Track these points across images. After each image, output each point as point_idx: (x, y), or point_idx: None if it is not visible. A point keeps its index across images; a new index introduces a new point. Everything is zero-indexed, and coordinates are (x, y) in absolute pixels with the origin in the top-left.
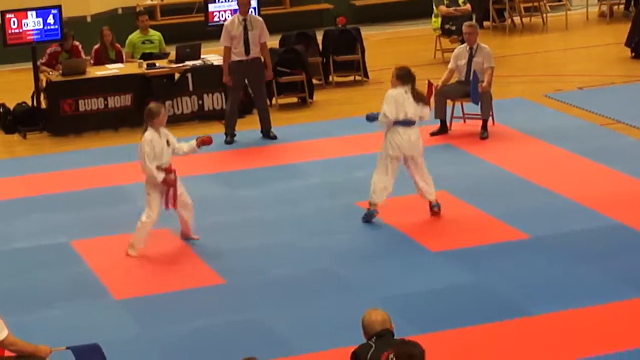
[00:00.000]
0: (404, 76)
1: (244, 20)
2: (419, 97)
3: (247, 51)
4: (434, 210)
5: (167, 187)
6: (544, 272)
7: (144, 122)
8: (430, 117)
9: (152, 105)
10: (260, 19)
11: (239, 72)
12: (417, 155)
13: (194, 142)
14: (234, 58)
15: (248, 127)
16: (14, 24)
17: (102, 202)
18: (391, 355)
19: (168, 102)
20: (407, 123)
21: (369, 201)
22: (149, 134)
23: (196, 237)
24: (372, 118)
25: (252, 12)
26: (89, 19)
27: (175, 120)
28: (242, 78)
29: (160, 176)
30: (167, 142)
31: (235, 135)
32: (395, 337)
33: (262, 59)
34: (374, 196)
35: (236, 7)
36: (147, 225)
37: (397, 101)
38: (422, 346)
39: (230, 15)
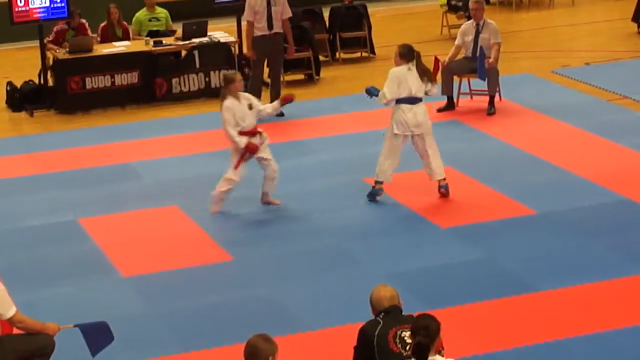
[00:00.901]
0: (407, 54)
1: None
2: (424, 72)
3: (270, 26)
4: (441, 191)
5: (250, 152)
6: (551, 248)
7: (222, 89)
8: (437, 93)
9: (227, 72)
10: None
11: (262, 47)
12: (424, 133)
13: (277, 102)
14: (257, 33)
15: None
16: (20, 2)
17: (110, 179)
18: (404, 333)
19: (174, 80)
20: (412, 100)
21: (374, 179)
22: (229, 101)
23: (277, 202)
24: (371, 93)
25: None
26: None
27: (182, 98)
28: (264, 53)
29: (243, 141)
30: (250, 105)
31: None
32: (403, 314)
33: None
34: (380, 175)
35: None
36: (230, 183)
37: (399, 79)
38: (438, 319)
39: None
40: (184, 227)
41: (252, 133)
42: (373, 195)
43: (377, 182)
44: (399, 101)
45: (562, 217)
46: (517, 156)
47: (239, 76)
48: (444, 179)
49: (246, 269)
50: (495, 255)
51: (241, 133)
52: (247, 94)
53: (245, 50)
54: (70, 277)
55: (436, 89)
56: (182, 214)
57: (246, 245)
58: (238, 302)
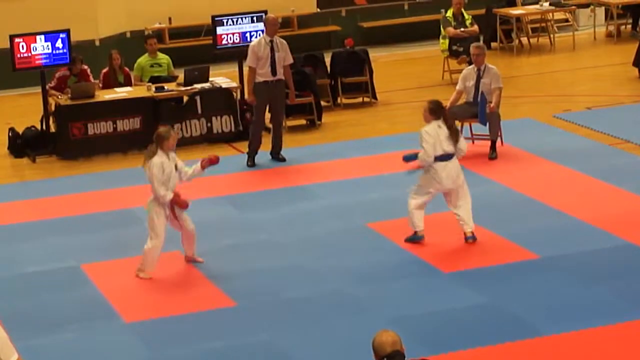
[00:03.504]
0: (436, 110)
1: (271, 41)
2: (454, 134)
3: (273, 72)
4: (468, 242)
5: (179, 206)
6: (555, 293)
7: (154, 145)
8: (464, 151)
9: (162, 129)
10: (285, 41)
11: (265, 93)
12: (458, 188)
13: (198, 165)
14: (259, 79)
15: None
16: (22, 48)
17: (112, 225)
18: None
19: (177, 125)
20: (445, 157)
21: (414, 230)
22: (158, 157)
23: (200, 259)
24: (409, 159)
25: (261, 34)
26: (97, 43)
27: (183, 144)
28: (267, 99)
29: (170, 196)
30: (175, 166)
31: (256, 153)
32: (406, 359)
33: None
34: (417, 224)
35: (244, 30)
36: (153, 251)
37: (433, 138)
38: None
39: (238, 39)
40: (186, 272)
41: (175, 195)
42: (415, 240)
43: (417, 232)
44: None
45: (565, 262)
46: (519, 201)
47: (173, 133)
48: (472, 232)
49: (249, 314)
50: (498, 300)
51: None
52: (174, 154)
53: (246, 95)
54: (72, 322)
55: (465, 146)
56: (184, 259)
57: (249, 291)
58: (241, 348)
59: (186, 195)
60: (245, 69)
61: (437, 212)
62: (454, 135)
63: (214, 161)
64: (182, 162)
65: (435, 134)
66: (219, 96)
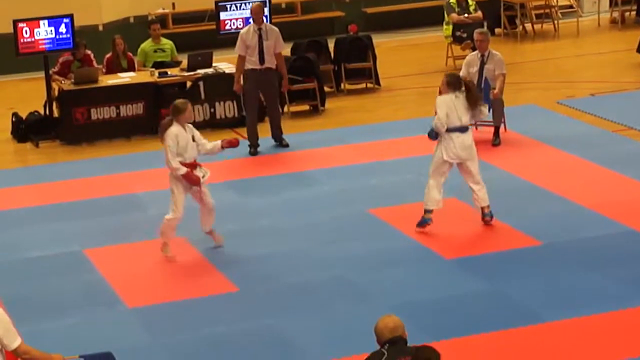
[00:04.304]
0: (454, 82)
1: (259, 29)
2: (473, 102)
3: (261, 61)
4: (485, 219)
5: (190, 182)
6: (557, 279)
7: (170, 117)
8: (486, 112)
9: (178, 101)
10: (276, 28)
11: (253, 80)
12: (471, 160)
13: (218, 143)
14: (249, 66)
15: (260, 135)
16: (26, 33)
17: (115, 210)
18: None
19: None
20: (461, 129)
21: (424, 208)
22: (175, 128)
23: (219, 239)
24: (432, 136)
25: (265, 20)
26: (101, 28)
27: None
28: (256, 86)
29: (183, 170)
30: (193, 137)
31: (259, 145)
32: (408, 345)
33: (277, 69)
34: (429, 203)
35: (247, 15)
36: (172, 222)
37: (448, 106)
38: (438, 351)
39: (241, 24)
40: (189, 258)
41: (192, 166)
42: (423, 224)
43: (426, 211)
44: (448, 129)
45: (567, 248)
46: (522, 187)
47: (189, 106)
48: (488, 207)
49: (252, 300)
50: (500, 287)
51: (181, 164)
52: (191, 126)
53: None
54: (75, 308)
55: (484, 112)
56: (188, 245)
57: (251, 277)
58: (244, 334)
59: None
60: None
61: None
62: (473, 103)
63: (234, 143)
64: (200, 135)
65: (450, 104)
66: (222, 81)
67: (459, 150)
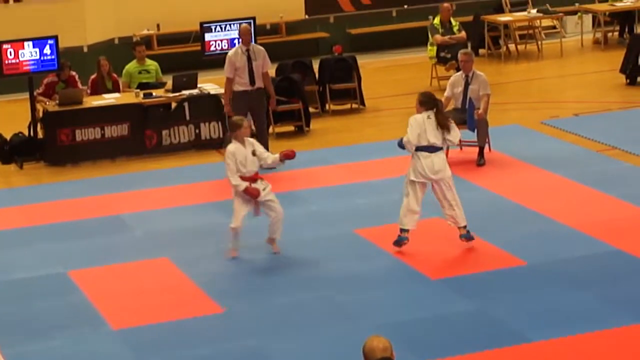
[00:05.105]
0: (427, 102)
1: (247, 50)
2: (442, 123)
3: (252, 82)
4: (462, 240)
5: (250, 196)
6: (542, 299)
7: (229, 134)
8: (456, 141)
9: (235, 117)
10: (262, 48)
11: (244, 101)
12: (443, 181)
13: (277, 156)
14: (238, 88)
15: None
16: (10, 54)
17: (100, 231)
18: None
19: (164, 132)
20: (430, 149)
21: (399, 227)
22: (232, 145)
23: (277, 249)
24: (401, 145)
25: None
26: (85, 49)
27: (172, 150)
28: (246, 107)
29: (243, 185)
30: (253, 152)
31: None
32: None
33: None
34: (403, 221)
35: (233, 36)
36: (233, 231)
37: (419, 126)
38: None
39: (226, 45)
40: (174, 279)
41: (252, 179)
42: (399, 243)
43: (402, 230)
44: (417, 149)
45: (552, 268)
46: (507, 207)
47: (246, 122)
48: (465, 227)
49: (237, 321)
50: (485, 307)
51: (242, 178)
52: (253, 140)
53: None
54: (59, 329)
55: (455, 138)
56: (172, 266)
57: (237, 297)
58: (228, 355)
59: (176, 202)
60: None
61: (424, 218)
62: (444, 127)
63: (290, 155)
64: (262, 148)
65: (421, 123)
66: (207, 102)
67: (426, 171)
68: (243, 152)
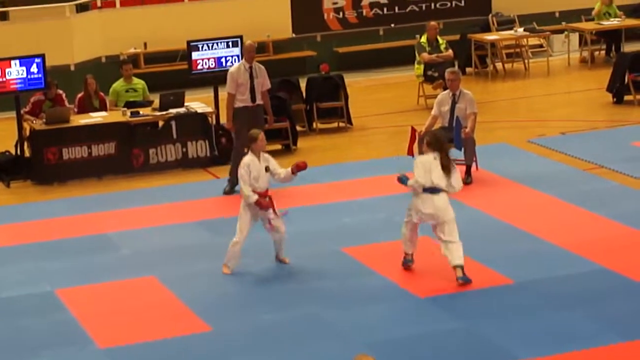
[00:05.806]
0: (435, 143)
1: (250, 67)
2: (445, 165)
3: (253, 99)
4: (459, 282)
5: (261, 208)
6: (529, 317)
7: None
8: (458, 190)
9: (252, 130)
10: (263, 67)
11: (245, 117)
12: (443, 221)
13: (289, 170)
14: (239, 104)
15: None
16: None
17: (87, 250)
18: None
19: (152, 150)
20: (433, 190)
21: (404, 251)
22: (248, 157)
23: (287, 260)
24: (402, 181)
25: (237, 59)
26: (72, 68)
27: (159, 168)
28: (247, 124)
29: (254, 197)
30: (267, 168)
31: (237, 184)
32: None
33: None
34: (405, 246)
35: (219, 55)
36: (236, 245)
37: (424, 167)
38: None
39: (213, 64)
40: (161, 297)
41: (262, 196)
42: (405, 265)
43: (406, 253)
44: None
45: (539, 287)
46: (494, 226)
47: (261, 135)
48: (462, 269)
49: (224, 339)
50: (474, 325)
51: (253, 192)
52: (268, 156)
53: (224, 121)
54: (46, 348)
55: (458, 185)
56: (159, 285)
57: (224, 316)
58: None
59: (163, 220)
60: (221, 94)
61: None
62: (447, 171)
63: (302, 167)
64: (277, 164)
65: (427, 165)
66: (194, 121)
67: (427, 212)
68: (258, 166)
